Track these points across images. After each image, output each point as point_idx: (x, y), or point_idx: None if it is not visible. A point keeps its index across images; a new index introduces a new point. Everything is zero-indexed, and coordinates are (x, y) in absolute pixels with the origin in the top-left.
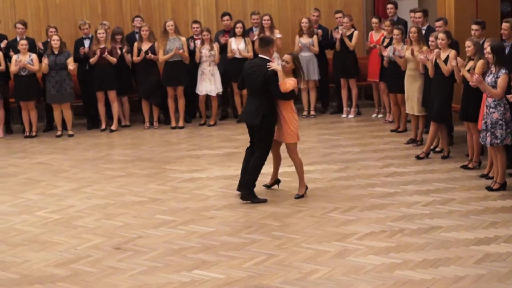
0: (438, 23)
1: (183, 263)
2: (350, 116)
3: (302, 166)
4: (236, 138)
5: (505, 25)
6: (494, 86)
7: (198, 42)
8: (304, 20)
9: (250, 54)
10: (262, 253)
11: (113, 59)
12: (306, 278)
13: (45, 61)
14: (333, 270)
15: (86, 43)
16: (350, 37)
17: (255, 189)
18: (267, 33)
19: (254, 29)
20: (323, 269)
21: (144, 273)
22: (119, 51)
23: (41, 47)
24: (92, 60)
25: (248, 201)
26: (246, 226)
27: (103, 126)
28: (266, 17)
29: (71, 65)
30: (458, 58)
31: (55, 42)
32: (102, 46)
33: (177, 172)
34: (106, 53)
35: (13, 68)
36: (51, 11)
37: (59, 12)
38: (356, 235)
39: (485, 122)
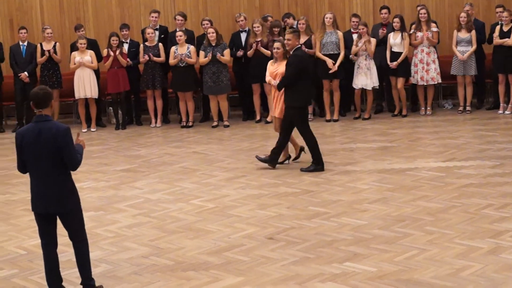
0: None
1: (335, 255)
2: (507, 112)
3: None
4: (390, 132)
5: None
6: None
7: (355, 36)
8: (463, 14)
9: (406, 50)
10: (414, 247)
11: (268, 52)
12: (457, 274)
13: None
14: (486, 267)
15: (243, 36)
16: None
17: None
18: (424, 27)
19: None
20: (475, 265)
21: (296, 263)
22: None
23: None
24: (249, 53)
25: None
26: (399, 220)
27: (258, 118)
28: (422, 10)
29: (227, 56)
30: None
31: (211, 35)
32: (259, 39)
33: (331, 164)
34: (260, 46)
35: (172, 60)
36: (209, 4)
37: (217, 5)
38: (510, 233)
39: None
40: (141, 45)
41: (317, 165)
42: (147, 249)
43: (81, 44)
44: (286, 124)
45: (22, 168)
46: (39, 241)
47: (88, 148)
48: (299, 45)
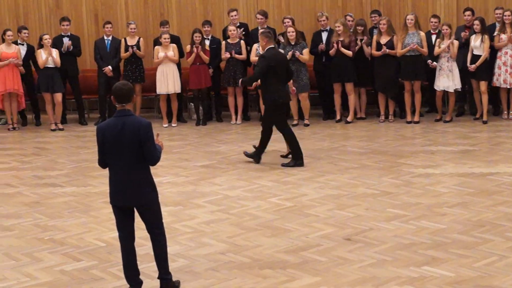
0: None
1: (413, 258)
2: None
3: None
4: (472, 136)
5: None
6: None
7: (434, 37)
8: None
9: (485, 53)
10: (494, 253)
11: (349, 52)
12: None
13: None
14: None
15: (324, 35)
16: None
17: None
18: (508, 29)
19: (497, 24)
20: None
21: (373, 265)
22: (359, 43)
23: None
24: (331, 52)
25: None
26: (479, 225)
27: (338, 117)
28: (507, 12)
29: (306, 55)
30: None
31: (290, 34)
32: (341, 38)
33: (411, 166)
34: (340, 45)
35: (253, 57)
36: (292, 2)
37: (300, 3)
38: None
39: None
40: (223, 42)
41: (297, 160)
42: (224, 245)
43: (165, 39)
44: (266, 122)
45: (102, 163)
46: (118, 233)
47: (168, 143)
48: (272, 46)
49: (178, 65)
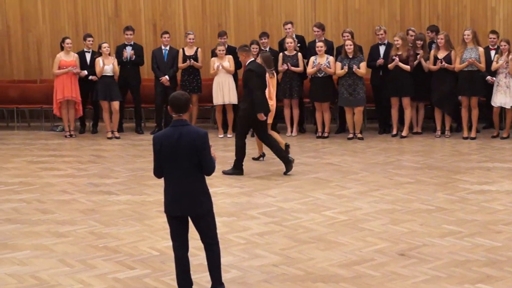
0: None
1: (467, 276)
2: None
3: None
4: None
5: None
6: None
7: (493, 52)
8: None
9: None
10: None
11: (407, 67)
12: None
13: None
14: None
15: (382, 49)
16: None
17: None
18: None
19: None
20: None
21: (427, 281)
22: (417, 57)
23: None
24: (390, 66)
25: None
26: None
27: (394, 131)
28: None
29: (363, 69)
30: None
31: (348, 47)
32: (400, 52)
33: (466, 183)
34: (397, 60)
35: (309, 70)
36: (350, 15)
37: (358, 17)
38: None
39: None
40: (280, 54)
41: (237, 169)
42: (277, 257)
43: (219, 50)
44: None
45: (158, 172)
46: (172, 243)
47: (224, 154)
48: (252, 59)
49: (235, 76)
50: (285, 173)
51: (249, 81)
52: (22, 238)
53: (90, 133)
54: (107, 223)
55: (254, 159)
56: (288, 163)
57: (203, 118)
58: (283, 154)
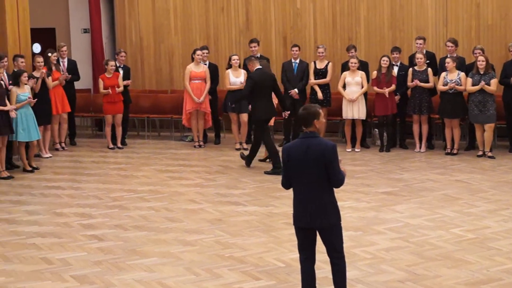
0: None
1: None
2: None
3: None
4: None
5: None
6: None
7: None
8: None
9: None
10: None
11: None
12: None
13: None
14: None
15: None
16: None
17: None
18: None
19: None
20: None
21: None
22: None
23: None
24: None
25: None
26: None
27: None
28: None
29: (493, 86)
30: None
31: (480, 63)
32: None
33: None
34: None
35: (440, 86)
36: (482, 31)
37: (490, 33)
38: None
39: None
40: (410, 69)
41: (277, 168)
42: (403, 274)
43: (352, 63)
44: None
45: (286, 183)
46: (298, 255)
47: (351, 168)
48: (259, 67)
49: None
50: (266, 172)
51: (245, 86)
52: (150, 245)
53: (218, 144)
54: (234, 233)
55: (260, 160)
56: (277, 168)
57: (331, 132)
58: (276, 156)
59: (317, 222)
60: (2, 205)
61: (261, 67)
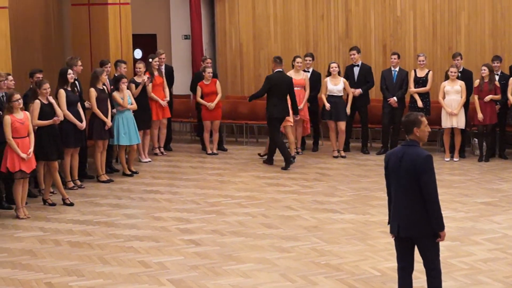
0: None
1: None
2: None
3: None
4: None
5: None
6: None
7: None
8: None
9: None
10: None
11: None
12: None
13: None
14: None
15: None
16: None
17: None
18: None
19: None
20: None
21: None
22: None
23: None
24: None
25: None
26: None
27: None
28: None
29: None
30: None
31: None
32: None
33: None
34: None
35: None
36: None
37: None
38: None
39: None
40: (510, 79)
41: (288, 163)
42: (501, 285)
43: (452, 72)
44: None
45: (387, 190)
46: (395, 264)
47: (449, 178)
48: (280, 70)
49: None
50: (283, 168)
51: (262, 86)
52: (247, 251)
53: (315, 151)
54: (330, 241)
55: (259, 154)
56: (288, 163)
57: (430, 141)
58: (286, 152)
59: (408, 231)
60: (102, 208)
61: (281, 70)
